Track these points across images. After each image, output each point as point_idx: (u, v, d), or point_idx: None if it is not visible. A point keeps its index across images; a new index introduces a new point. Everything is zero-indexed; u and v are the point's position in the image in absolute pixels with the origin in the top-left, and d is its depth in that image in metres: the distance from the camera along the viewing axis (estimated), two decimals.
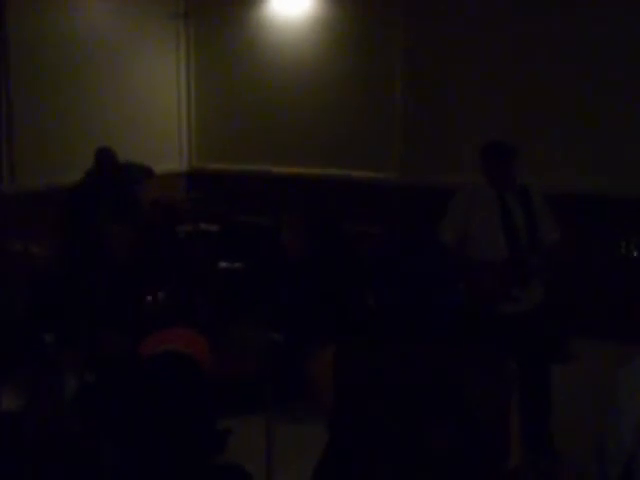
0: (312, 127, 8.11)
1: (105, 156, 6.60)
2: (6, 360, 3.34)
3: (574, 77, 6.76)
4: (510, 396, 2.26)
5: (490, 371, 2.22)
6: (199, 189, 8.61)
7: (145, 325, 3.97)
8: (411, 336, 2.25)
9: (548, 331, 4.78)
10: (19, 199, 6.93)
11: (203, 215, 7.81)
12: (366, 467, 2.23)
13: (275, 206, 7.08)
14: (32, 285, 5.36)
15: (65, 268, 5.51)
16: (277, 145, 8.35)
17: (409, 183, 7.57)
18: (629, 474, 2.37)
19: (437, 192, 5.84)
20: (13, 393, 2.73)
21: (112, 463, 2.20)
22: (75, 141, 7.45)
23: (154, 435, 2.20)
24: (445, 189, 5.11)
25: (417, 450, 2.16)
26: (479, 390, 2.16)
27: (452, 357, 2.22)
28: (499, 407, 2.20)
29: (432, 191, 6.93)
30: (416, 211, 7.20)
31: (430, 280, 2.28)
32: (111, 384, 2.45)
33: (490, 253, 4.52)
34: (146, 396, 2.29)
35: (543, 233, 4.58)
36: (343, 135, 7.95)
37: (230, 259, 6.85)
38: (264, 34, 8.31)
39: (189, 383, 2.40)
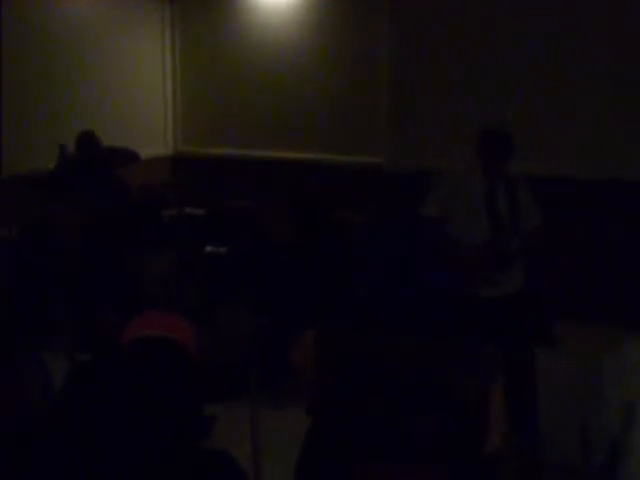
0: (298, 111, 8.08)
1: (85, 140, 6.54)
2: None
3: (560, 63, 6.77)
4: (491, 383, 2.26)
5: (474, 361, 2.22)
6: (184, 173, 8.57)
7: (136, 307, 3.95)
8: (396, 325, 2.25)
9: (530, 316, 4.79)
10: (5, 184, 6.89)
11: (188, 199, 7.78)
12: (350, 452, 2.23)
13: (261, 190, 7.06)
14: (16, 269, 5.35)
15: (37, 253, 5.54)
16: (263, 129, 8.31)
17: (396, 168, 7.55)
18: (614, 459, 2.38)
19: (424, 178, 5.82)
20: None
21: (98, 449, 2.19)
22: (60, 126, 7.39)
23: (139, 421, 2.20)
24: (433, 175, 5.11)
25: (401, 436, 2.16)
26: (463, 379, 2.16)
27: (436, 346, 2.22)
28: (481, 396, 2.21)
29: (419, 177, 6.91)
30: (403, 197, 7.18)
31: (418, 271, 2.28)
32: (107, 367, 2.43)
33: (472, 236, 4.52)
34: (130, 382, 2.28)
35: (524, 218, 4.58)
36: (329, 119, 7.93)
37: (216, 243, 6.83)
38: (249, 18, 8.26)
39: (174, 368, 2.39)
